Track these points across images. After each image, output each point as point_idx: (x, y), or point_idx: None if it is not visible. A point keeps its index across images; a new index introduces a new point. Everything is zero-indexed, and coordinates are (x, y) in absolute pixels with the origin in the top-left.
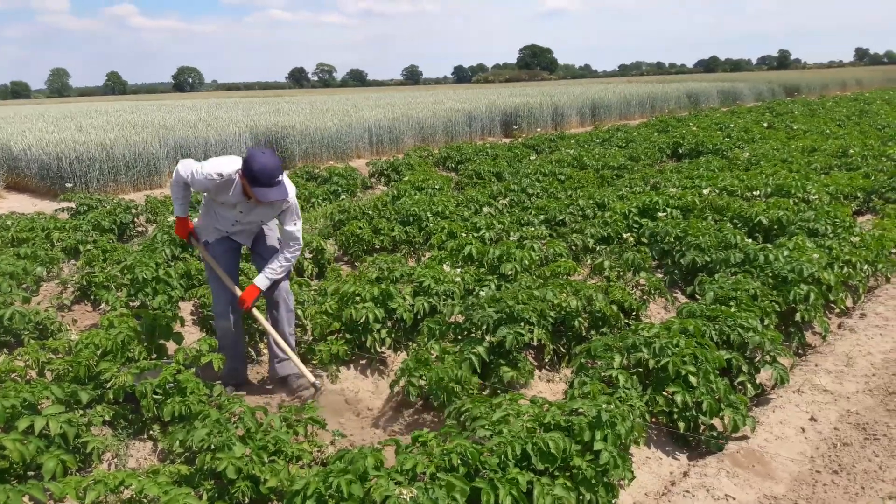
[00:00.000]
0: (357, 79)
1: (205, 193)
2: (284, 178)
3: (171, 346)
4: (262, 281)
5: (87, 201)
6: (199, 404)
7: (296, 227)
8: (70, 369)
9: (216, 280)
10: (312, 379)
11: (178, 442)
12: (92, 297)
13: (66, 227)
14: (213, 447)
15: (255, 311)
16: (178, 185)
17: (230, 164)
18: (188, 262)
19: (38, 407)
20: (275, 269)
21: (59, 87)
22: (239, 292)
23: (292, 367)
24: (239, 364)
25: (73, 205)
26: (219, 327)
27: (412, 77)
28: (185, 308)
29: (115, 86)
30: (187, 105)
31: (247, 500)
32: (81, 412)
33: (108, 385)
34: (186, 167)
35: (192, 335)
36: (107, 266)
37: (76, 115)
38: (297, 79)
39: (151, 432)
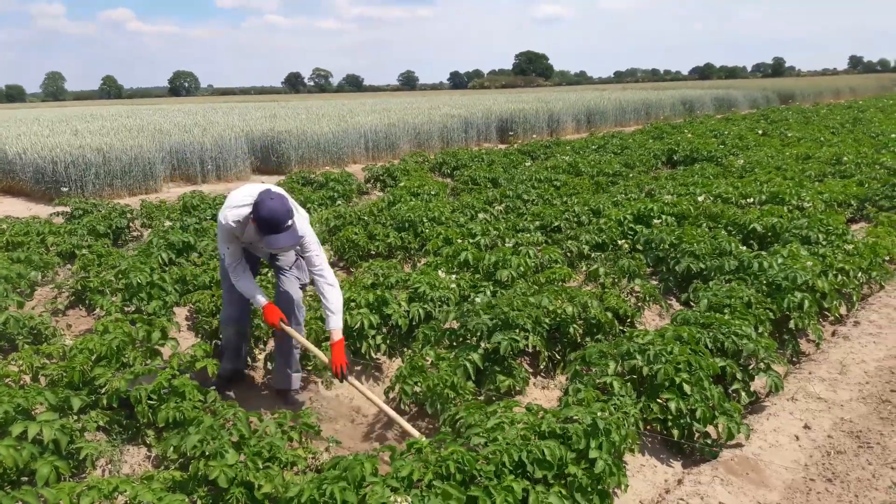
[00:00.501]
0: (353, 84)
1: None
2: (297, 215)
3: (165, 351)
4: (335, 323)
5: (83, 206)
6: (193, 410)
7: (313, 254)
8: (64, 374)
9: (229, 291)
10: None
11: (171, 448)
12: (87, 301)
13: (62, 231)
14: (206, 454)
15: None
16: (234, 265)
17: (244, 207)
18: (183, 268)
19: (32, 412)
20: (332, 306)
21: (54, 90)
22: (318, 351)
23: (295, 382)
24: (239, 366)
25: (68, 209)
26: (223, 332)
27: (408, 82)
28: (180, 313)
29: (110, 90)
30: (183, 109)
31: None
32: (75, 418)
33: (103, 391)
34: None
35: (186, 340)
36: (102, 271)
37: (71, 119)
38: (294, 84)
39: (146, 438)
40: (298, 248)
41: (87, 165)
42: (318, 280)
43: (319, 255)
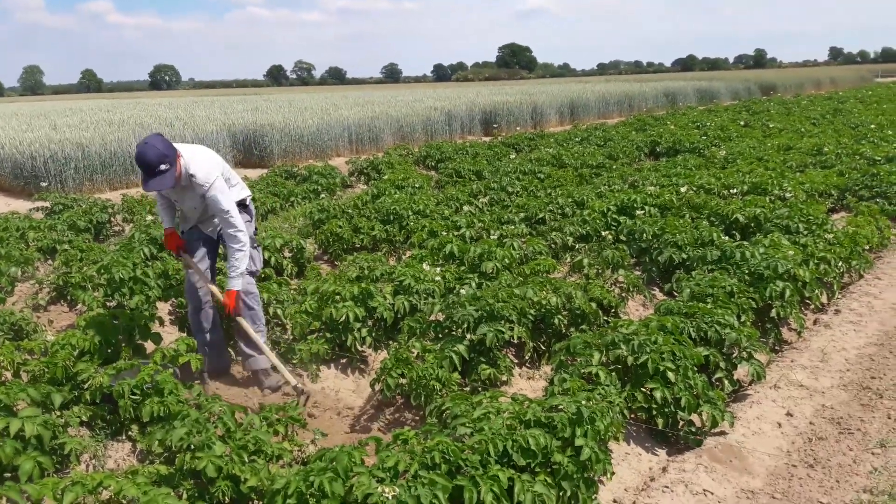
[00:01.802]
0: (336, 77)
1: None
2: (197, 155)
3: (149, 346)
4: (234, 283)
5: (63, 201)
6: (177, 404)
7: (222, 211)
8: (46, 370)
9: (188, 281)
10: (294, 381)
11: (156, 442)
12: (68, 297)
13: (42, 226)
14: (192, 446)
15: (240, 320)
16: (158, 201)
17: None
18: (166, 262)
19: (14, 409)
20: (233, 265)
21: (32, 84)
22: (217, 290)
23: (258, 363)
24: (215, 355)
25: (48, 204)
26: (192, 324)
27: (392, 75)
28: (163, 308)
29: (90, 84)
30: (164, 103)
31: (227, 500)
32: (58, 413)
33: (86, 386)
34: None
35: (170, 335)
36: (83, 266)
37: (50, 113)
38: (276, 77)
39: (130, 433)
40: (211, 205)
41: (66, 160)
42: (228, 246)
43: (227, 213)
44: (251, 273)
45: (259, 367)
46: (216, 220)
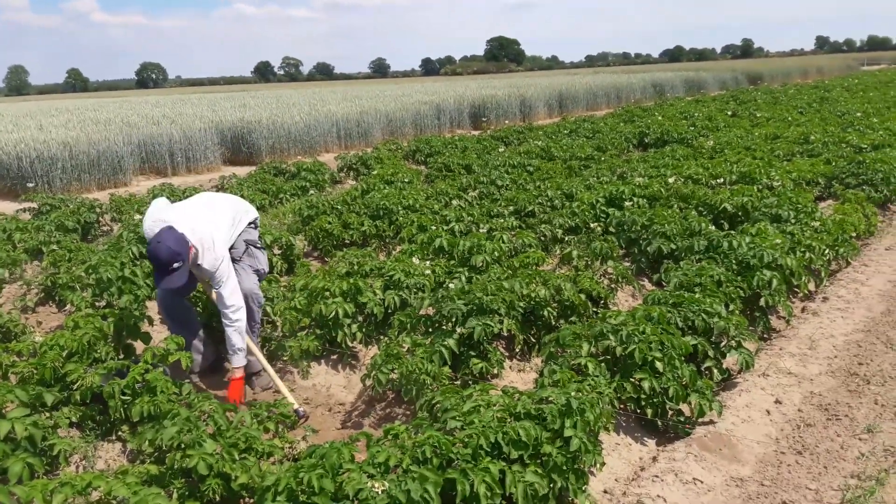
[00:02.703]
0: (324, 72)
1: None
2: (205, 252)
3: (139, 345)
4: (236, 360)
5: (50, 201)
6: (168, 403)
7: (224, 292)
8: (35, 372)
9: (161, 297)
10: (297, 405)
11: (147, 441)
12: (56, 298)
13: (29, 227)
14: (182, 445)
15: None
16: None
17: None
18: None
19: (3, 410)
20: (230, 344)
21: (17, 84)
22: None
23: (254, 366)
24: (200, 356)
25: (35, 205)
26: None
27: (380, 70)
28: (153, 307)
29: (76, 83)
30: (151, 101)
31: (218, 498)
32: (48, 414)
33: (75, 387)
34: None
35: (160, 334)
36: (71, 266)
37: (36, 113)
38: (263, 73)
39: (120, 433)
40: (210, 279)
41: (53, 160)
42: (223, 317)
43: (225, 288)
44: (258, 273)
45: (252, 370)
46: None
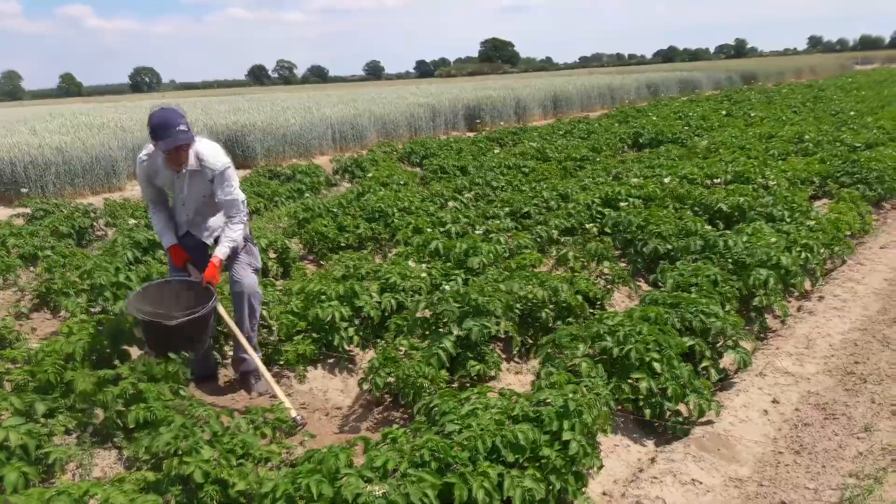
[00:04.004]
0: (318, 75)
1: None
2: (205, 142)
3: (134, 351)
4: (222, 250)
5: (44, 206)
6: (163, 410)
7: (231, 192)
8: (30, 379)
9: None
10: (294, 413)
11: (143, 448)
12: (51, 304)
13: (23, 233)
14: (179, 451)
15: (223, 312)
16: (149, 206)
17: (150, 144)
18: (149, 266)
19: None
20: (229, 235)
21: (11, 90)
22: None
23: (251, 365)
24: (201, 360)
25: (28, 210)
26: None
27: (374, 72)
28: None
29: (69, 88)
30: (144, 106)
31: None
32: (42, 422)
33: (71, 394)
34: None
35: None
36: (66, 272)
37: (29, 118)
38: (258, 76)
39: (116, 440)
40: (215, 188)
41: (46, 165)
42: (228, 221)
43: (233, 195)
44: (257, 270)
45: (250, 368)
46: (215, 212)
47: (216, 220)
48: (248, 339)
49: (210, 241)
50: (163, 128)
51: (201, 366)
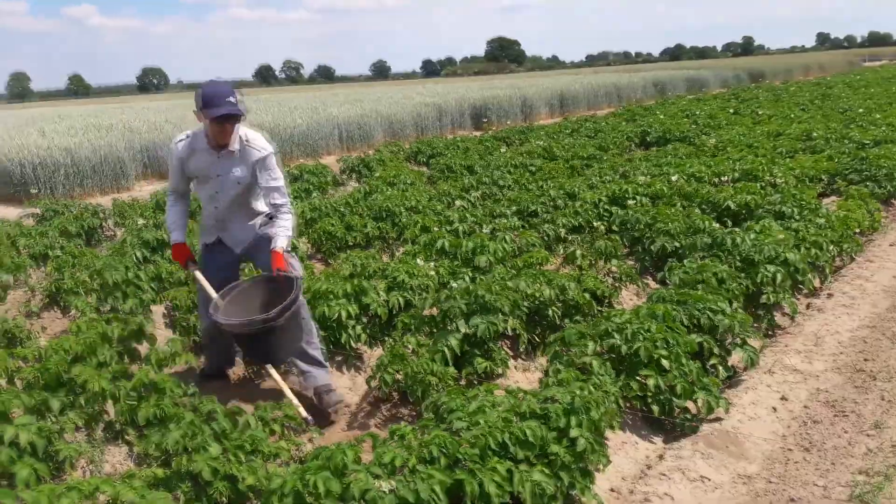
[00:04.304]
0: (325, 75)
1: (192, 187)
2: (249, 131)
3: (143, 349)
4: (280, 242)
5: (53, 207)
6: (173, 407)
7: (275, 179)
8: (40, 377)
9: (202, 291)
10: (304, 414)
11: (153, 445)
12: (61, 303)
13: (33, 233)
14: (188, 449)
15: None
16: (169, 198)
17: (188, 131)
18: (159, 265)
19: (10, 416)
20: (283, 226)
21: (19, 91)
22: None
23: (317, 380)
24: (219, 362)
25: (38, 211)
26: (201, 328)
27: (380, 72)
28: (157, 311)
29: (77, 89)
30: (152, 107)
31: (225, 500)
32: (54, 420)
33: (81, 391)
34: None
35: (164, 338)
36: (76, 271)
37: (38, 119)
38: (265, 76)
39: (126, 437)
40: (259, 173)
41: (55, 166)
42: (276, 211)
43: (279, 182)
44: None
45: (318, 383)
46: (247, 214)
47: (249, 227)
48: (303, 353)
49: (238, 251)
50: (214, 96)
51: (223, 358)
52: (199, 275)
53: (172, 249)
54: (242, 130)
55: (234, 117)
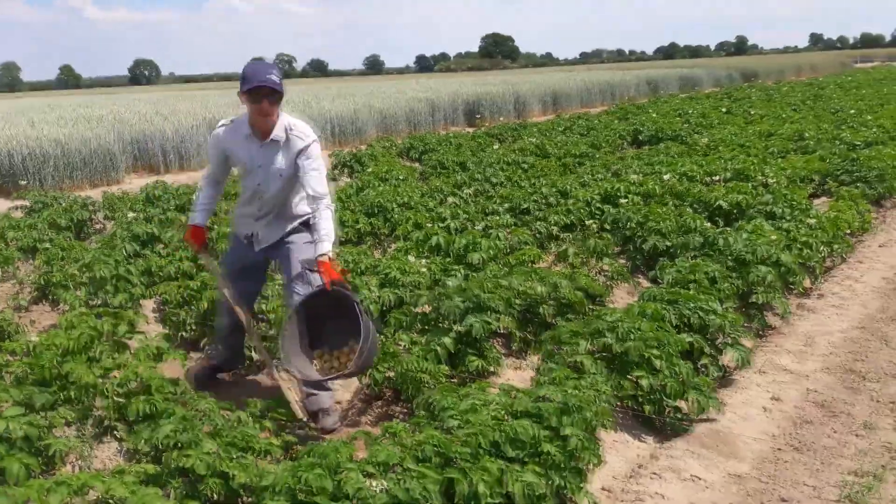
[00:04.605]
0: (318, 69)
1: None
2: (300, 121)
3: (133, 344)
4: (324, 247)
5: (42, 199)
6: (164, 402)
7: (319, 168)
8: (30, 371)
9: (226, 299)
10: (300, 415)
11: (143, 441)
12: (50, 296)
13: (21, 225)
14: (180, 444)
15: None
16: (202, 181)
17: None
18: (148, 259)
19: None
20: (324, 228)
21: (9, 81)
22: (242, 315)
23: (322, 402)
24: (230, 358)
25: (27, 202)
26: (218, 333)
27: (374, 66)
28: (147, 305)
29: (68, 80)
30: (143, 98)
31: (216, 497)
32: (42, 415)
33: (71, 386)
34: None
35: (155, 333)
36: (65, 265)
37: (28, 110)
38: None
39: (116, 432)
40: (300, 161)
41: (45, 157)
42: (316, 205)
43: (321, 171)
44: None
45: (323, 406)
46: (290, 210)
47: (279, 229)
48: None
49: (257, 250)
50: (254, 72)
51: (235, 355)
52: (210, 264)
53: (189, 230)
54: (287, 119)
55: (272, 92)
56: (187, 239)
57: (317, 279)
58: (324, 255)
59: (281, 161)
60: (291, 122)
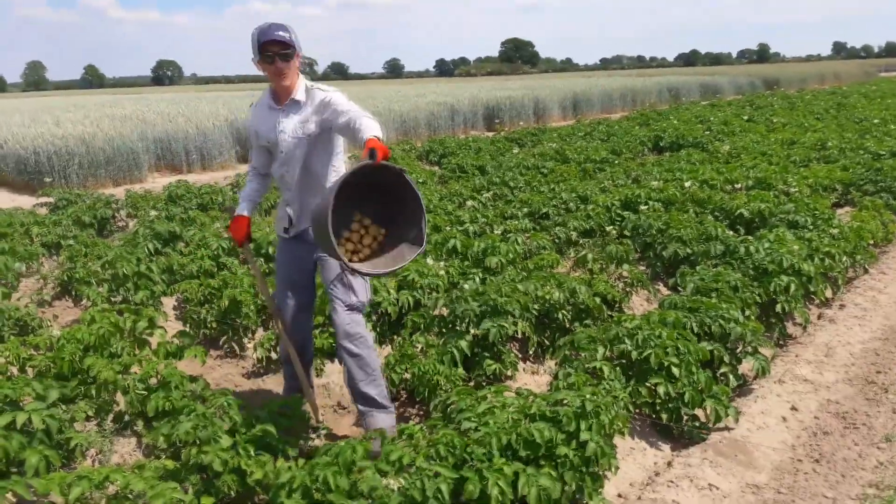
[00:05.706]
0: (338, 72)
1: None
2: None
3: (153, 341)
4: (371, 132)
5: (67, 196)
6: (182, 399)
7: (351, 105)
8: (52, 365)
9: (278, 282)
10: (315, 420)
11: (162, 437)
12: (73, 292)
13: (46, 222)
14: (198, 440)
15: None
16: (249, 173)
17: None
18: (170, 257)
19: (21, 403)
20: (367, 122)
21: (35, 80)
22: (287, 341)
23: (377, 422)
24: (293, 380)
25: (52, 199)
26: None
27: (394, 70)
28: (168, 303)
29: (92, 79)
30: (166, 99)
31: (233, 493)
32: (64, 408)
33: (92, 381)
34: None
35: (175, 330)
36: (88, 261)
37: (53, 108)
38: None
39: (135, 428)
40: (328, 114)
41: (70, 155)
42: (353, 121)
43: (354, 109)
44: (354, 308)
45: (377, 426)
46: (319, 183)
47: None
48: (363, 395)
49: (304, 226)
50: (262, 32)
51: (294, 384)
52: (250, 259)
53: (233, 221)
54: (311, 82)
55: (283, 47)
56: (230, 230)
57: (355, 281)
58: (370, 135)
59: (304, 119)
60: (314, 83)
